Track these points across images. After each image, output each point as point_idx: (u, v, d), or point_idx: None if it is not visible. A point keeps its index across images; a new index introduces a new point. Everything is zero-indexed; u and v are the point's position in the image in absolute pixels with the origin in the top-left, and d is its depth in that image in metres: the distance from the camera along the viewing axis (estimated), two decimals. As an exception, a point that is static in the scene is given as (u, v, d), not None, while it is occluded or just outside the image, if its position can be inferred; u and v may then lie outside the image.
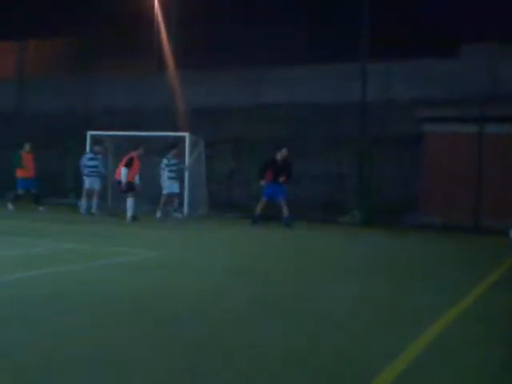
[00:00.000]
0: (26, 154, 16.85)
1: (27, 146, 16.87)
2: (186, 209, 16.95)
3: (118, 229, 13.34)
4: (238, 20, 19.35)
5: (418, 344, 4.58)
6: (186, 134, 17.20)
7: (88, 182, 16.49)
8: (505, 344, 4.85)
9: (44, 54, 23.92)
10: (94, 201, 16.53)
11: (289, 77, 18.70)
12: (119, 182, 15.22)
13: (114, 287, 6.47)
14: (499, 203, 15.24)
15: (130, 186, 15.09)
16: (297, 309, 5.79)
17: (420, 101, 16.54)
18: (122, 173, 14.98)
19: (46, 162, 18.58)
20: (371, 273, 8.30)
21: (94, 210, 16.45)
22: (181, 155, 16.86)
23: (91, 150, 16.91)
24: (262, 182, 15.23)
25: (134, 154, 15.30)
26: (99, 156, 16.84)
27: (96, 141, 17.55)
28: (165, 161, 16.40)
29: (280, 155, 15.21)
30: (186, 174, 16.97)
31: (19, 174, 16.75)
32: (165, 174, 16.36)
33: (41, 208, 16.52)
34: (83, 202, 16.52)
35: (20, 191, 16.69)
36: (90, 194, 16.53)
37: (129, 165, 15.03)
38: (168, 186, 16.33)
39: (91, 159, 16.64)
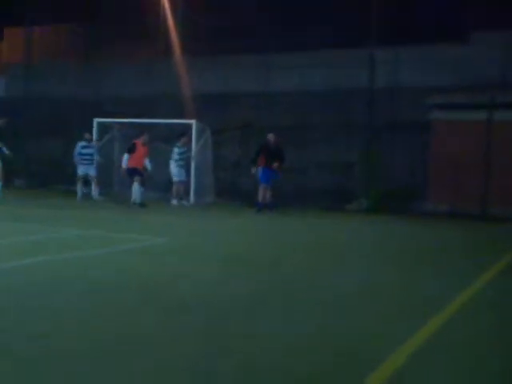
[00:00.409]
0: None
1: None
2: (192, 196, 16.95)
3: (124, 215, 13.36)
4: (246, 6, 19.20)
5: (428, 329, 4.57)
6: (193, 122, 17.17)
7: (81, 170, 16.68)
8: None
9: (51, 41, 23.87)
10: (94, 187, 16.72)
11: (297, 63, 18.58)
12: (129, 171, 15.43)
13: (121, 273, 6.47)
14: (507, 190, 15.16)
15: (136, 172, 15.14)
16: (305, 295, 5.78)
17: (429, 87, 16.41)
18: (123, 159, 15.30)
19: (54, 148, 18.61)
20: (380, 260, 8.28)
21: (95, 196, 16.68)
22: (190, 143, 16.88)
23: (84, 138, 16.96)
24: (253, 170, 15.34)
25: (137, 140, 15.47)
26: (93, 144, 16.97)
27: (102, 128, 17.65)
28: (176, 149, 16.43)
29: (272, 140, 15.37)
30: (193, 163, 16.94)
31: None
32: (174, 162, 16.40)
33: None
34: (78, 188, 16.75)
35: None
36: (85, 181, 16.90)
37: (130, 151, 15.27)
38: (177, 173, 16.38)
39: (85, 147, 16.80)
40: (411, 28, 16.98)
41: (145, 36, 20.97)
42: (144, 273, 6.49)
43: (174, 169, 16.42)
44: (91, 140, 17.02)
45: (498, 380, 3.66)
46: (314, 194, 17.34)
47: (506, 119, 15.51)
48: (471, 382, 3.59)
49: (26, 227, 10.16)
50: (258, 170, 15.36)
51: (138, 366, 3.56)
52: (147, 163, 15.50)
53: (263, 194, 15.21)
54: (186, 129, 17.05)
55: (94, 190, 16.81)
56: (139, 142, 15.48)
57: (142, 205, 14.87)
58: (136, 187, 15.04)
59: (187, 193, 16.90)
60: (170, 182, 16.75)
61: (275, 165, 15.08)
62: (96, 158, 17.00)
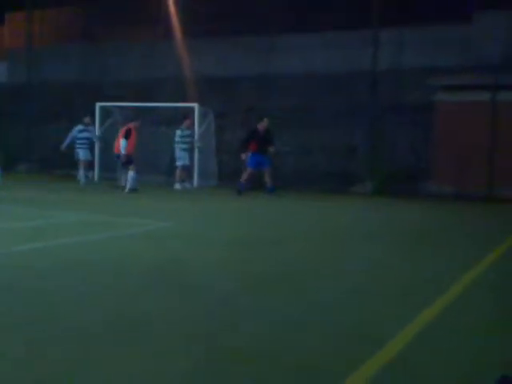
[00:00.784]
0: None
1: None
2: (196, 179, 16.94)
3: (126, 200, 13.35)
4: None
5: (432, 310, 4.56)
6: (195, 105, 17.10)
7: (82, 154, 16.66)
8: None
9: (52, 25, 23.73)
10: (81, 171, 16.74)
11: (299, 45, 18.44)
12: (118, 156, 15.03)
13: (127, 258, 6.47)
14: (512, 171, 15.08)
15: (130, 159, 14.83)
16: (310, 276, 5.78)
17: (433, 68, 16.28)
18: (122, 145, 14.78)
19: (57, 132, 18.58)
20: (384, 241, 8.26)
21: (81, 180, 16.64)
22: (193, 125, 16.82)
23: (82, 122, 16.89)
24: (243, 156, 15.39)
25: (131, 125, 15.10)
26: (90, 128, 16.92)
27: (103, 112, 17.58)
28: (178, 132, 16.36)
29: (261, 126, 15.32)
30: (197, 148, 16.89)
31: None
32: (178, 145, 16.35)
33: None
34: (81, 174, 16.75)
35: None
36: (85, 165, 16.83)
37: (127, 136, 14.84)
38: (182, 156, 16.34)
39: (82, 131, 16.74)
40: (415, 8, 16.80)
41: (146, 19, 20.81)
42: (147, 257, 6.49)
43: (177, 152, 16.37)
44: (89, 124, 16.94)
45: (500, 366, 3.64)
46: (318, 176, 17.28)
47: (510, 100, 15.38)
48: (473, 362, 3.58)
49: (27, 212, 10.16)
50: (248, 156, 15.37)
51: (137, 346, 3.56)
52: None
53: (248, 176, 15.30)
54: (189, 111, 16.99)
55: (81, 174, 16.78)
56: (133, 126, 15.07)
57: (133, 190, 14.51)
58: (132, 175, 14.62)
59: (191, 176, 16.88)
60: (172, 165, 16.71)
61: (271, 150, 15.13)
62: (96, 142, 16.94)
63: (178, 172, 16.42)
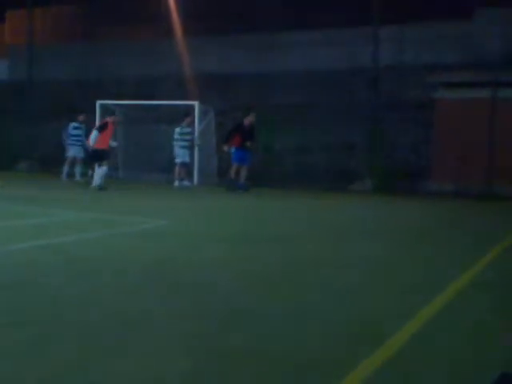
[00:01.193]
0: None
1: None
2: (195, 177, 16.95)
3: (124, 198, 13.36)
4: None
5: (432, 307, 4.58)
6: (196, 103, 17.10)
7: (73, 151, 16.67)
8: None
9: (53, 23, 23.73)
10: (78, 169, 16.74)
11: (299, 42, 18.45)
12: (95, 150, 14.47)
13: (125, 256, 6.49)
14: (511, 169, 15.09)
15: (104, 155, 14.49)
16: (308, 274, 5.79)
17: (433, 65, 16.29)
18: (92, 136, 14.35)
19: (57, 131, 18.59)
20: (383, 239, 8.27)
21: (78, 177, 16.67)
22: (193, 123, 16.83)
23: (75, 120, 16.91)
24: (226, 148, 15.40)
25: (109, 119, 14.94)
26: (83, 125, 16.94)
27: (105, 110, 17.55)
28: (177, 129, 16.37)
29: (247, 120, 15.32)
30: (197, 147, 16.90)
31: None
32: (178, 143, 16.36)
33: None
34: (65, 169, 16.77)
35: None
36: (73, 162, 16.81)
37: (101, 129, 14.46)
38: (181, 154, 16.34)
39: (76, 128, 16.77)
40: (415, 6, 16.80)
41: (146, 17, 20.82)
42: (145, 255, 6.50)
43: (176, 150, 16.38)
44: (83, 122, 16.94)
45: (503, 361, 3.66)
46: (317, 174, 17.29)
47: (509, 97, 15.39)
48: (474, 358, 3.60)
49: (26, 210, 10.18)
50: (231, 150, 15.36)
51: (136, 344, 3.58)
52: (112, 142, 15.04)
53: (234, 172, 15.31)
54: (190, 109, 16.99)
55: (78, 172, 16.85)
56: (111, 120, 14.84)
57: (101, 188, 14.20)
58: (104, 171, 14.32)
59: (190, 174, 16.88)
60: (172, 163, 16.72)
61: (248, 144, 15.13)
62: (83, 139, 16.92)
63: (176, 169, 16.42)
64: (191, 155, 16.73)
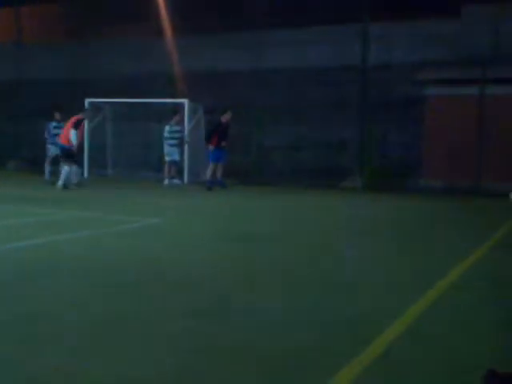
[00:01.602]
0: None
1: None
2: (186, 175, 16.91)
3: (112, 197, 13.30)
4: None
5: (422, 303, 4.58)
6: (185, 101, 17.05)
7: (53, 150, 16.51)
8: (506, 303, 4.84)
9: (41, 21, 23.59)
10: (48, 167, 16.45)
11: (289, 40, 18.42)
12: (63, 147, 14.40)
13: (115, 255, 6.46)
14: (501, 165, 15.14)
15: (71, 154, 14.28)
16: (301, 271, 5.78)
17: (421, 63, 16.31)
18: (72, 134, 14.18)
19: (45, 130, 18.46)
20: (374, 236, 8.28)
21: (47, 176, 16.36)
22: (183, 121, 16.78)
23: (54, 118, 16.72)
24: (210, 147, 15.38)
25: (80, 116, 14.78)
26: (62, 124, 16.78)
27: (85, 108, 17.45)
28: (167, 128, 16.33)
29: (224, 118, 15.38)
30: (186, 144, 16.84)
31: None
32: (167, 141, 16.31)
33: None
34: (47, 168, 16.43)
35: None
36: (55, 160, 16.40)
37: (77, 126, 14.32)
38: (171, 152, 16.30)
39: (56, 127, 16.59)
40: (404, 3, 16.81)
41: (135, 15, 20.72)
42: (135, 254, 6.47)
43: (166, 148, 16.33)
44: (61, 120, 16.75)
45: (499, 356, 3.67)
46: (308, 171, 17.29)
47: (498, 94, 15.44)
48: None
49: (16, 210, 10.11)
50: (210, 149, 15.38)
51: (128, 344, 3.55)
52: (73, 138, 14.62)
53: (212, 172, 15.32)
54: (179, 107, 16.93)
55: (48, 171, 16.48)
56: (82, 117, 14.74)
57: (65, 186, 14.04)
58: (66, 171, 14.12)
59: (181, 172, 16.84)
60: (162, 161, 16.67)
61: (223, 144, 15.17)
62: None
63: (166, 168, 16.38)
64: (181, 153, 16.69)
